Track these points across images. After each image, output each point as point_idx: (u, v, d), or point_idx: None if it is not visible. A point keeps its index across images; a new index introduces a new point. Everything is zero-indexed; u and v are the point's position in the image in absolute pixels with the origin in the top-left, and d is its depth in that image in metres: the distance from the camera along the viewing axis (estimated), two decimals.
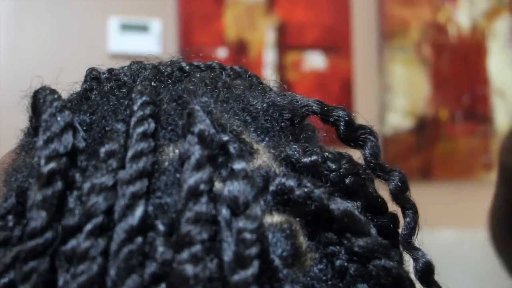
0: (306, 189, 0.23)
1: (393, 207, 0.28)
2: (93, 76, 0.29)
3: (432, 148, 1.70)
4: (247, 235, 0.20)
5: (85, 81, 0.29)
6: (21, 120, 0.28)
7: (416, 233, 0.28)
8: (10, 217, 0.23)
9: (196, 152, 0.22)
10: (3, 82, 1.39)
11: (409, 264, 0.27)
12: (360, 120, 0.30)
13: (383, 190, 0.28)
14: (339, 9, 1.68)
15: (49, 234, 0.21)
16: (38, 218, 0.21)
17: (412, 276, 0.26)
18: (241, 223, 0.20)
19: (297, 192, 0.23)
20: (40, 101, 0.24)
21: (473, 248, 1.41)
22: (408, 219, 0.28)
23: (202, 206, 0.20)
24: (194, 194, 0.21)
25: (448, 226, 1.47)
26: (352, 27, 1.69)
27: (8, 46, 1.45)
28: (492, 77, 1.75)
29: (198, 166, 0.21)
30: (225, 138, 0.23)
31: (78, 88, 0.30)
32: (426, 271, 0.27)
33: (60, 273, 0.20)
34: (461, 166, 1.71)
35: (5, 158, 0.28)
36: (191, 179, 0.21)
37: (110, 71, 0.30)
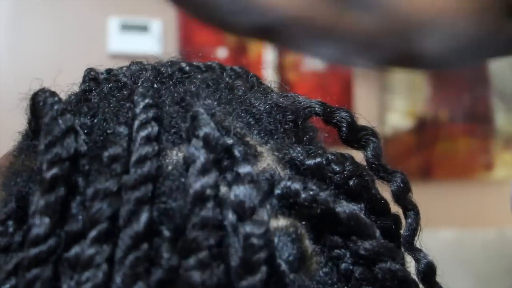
0: (311, 192, 0.23)
1: (394, 208, 0.28)
2: (91, 77, 0.29)
3: (432, 148, 1.70)
4: (255, 240, 0.20)
5: (84, 82, 0.29)
6: (20, 122, 0.28)
7: (418, 234, 0.28)
8: (10, 223, 0.22)
9: (202, 156, 0.21)
10: (3, 82, 1.38)
11: (410, 265, 0.27)
12: (361, 121, 0.30)
13: (384, 191, 0.28)
14: None
15: (52, 240, 0.20)
16: (41, 224, 0.20)
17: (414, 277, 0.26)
18: (248, 228, 0.20)
19: (303, 195, 0.23)
20: (40, 103, 0.24)
21: (473, 248, 1.41)
22: (410, 220, 0.28)
23: (208, 211, 0.20)
24: (200, 199, 0.20)
25: (448, 226, 1.47)
26: None
27: (8, 46, 1.45)
28: (492, 77, 1.75)
29: (204, 171, 0.21)
30: (230, 141, 0.22)
31: (76, 89, 0.29)
32: (428, 272, 0.27)
33: (64, 280, 0.20)
34: (461, 166, 1.71)
35: (2, 161, 0.27)
36: (197, 183, 0.21)
37: (109, 71, 0.29)
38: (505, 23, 0.52)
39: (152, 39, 1.51)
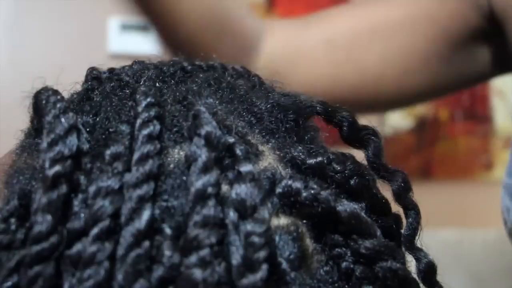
0: (312, 191, 0.23)
1: (395, 207, 0.28)
2: (93, 76, 0.29)
3: (432, 148, 1.70)
4: (256, 239, 0.20)
5: (86, 81, 0.29)
6: (21, 120, 0.28)
7: (418, 234, 0.28)
8: (12, 220, 0.22)
9: (203, 154, 0.21)
10: (4, 82, 1.38)
11: (411, 264, 0.27)
12: (362, 120, 0.30)
13: (385, 190, 0.28)
14: None
15: (54, 238, 0.20)
16: (43, 222, 0.20)
17: (415, 276, 0.26)
18: (249, 226, 0.20)
19: (304, 194, 0.23)
20: (43, 102, 0.24)
21: (473, 248, 1.41)
22: (410, 219, 0.28)
23: (210, 209, 0.20)
24: (202, 197, 0.20)
25: (448, 226, 1.47)
26: None
27: (9, 46, 1.45)
28: None
29: (206, 169, 0.21)
30: (231, 140, 0.23)
31: (78, 88, 0.29)
32: (429, 272, 0.27)
33: (66, 277, 0.20)
34: (461, 166, 1.71)
35: (5, 159, 0.27)
36: (199, 182, 0.21)
37: (111, 70, 0.30)
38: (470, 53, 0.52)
39: (152, 39, 1.51)
